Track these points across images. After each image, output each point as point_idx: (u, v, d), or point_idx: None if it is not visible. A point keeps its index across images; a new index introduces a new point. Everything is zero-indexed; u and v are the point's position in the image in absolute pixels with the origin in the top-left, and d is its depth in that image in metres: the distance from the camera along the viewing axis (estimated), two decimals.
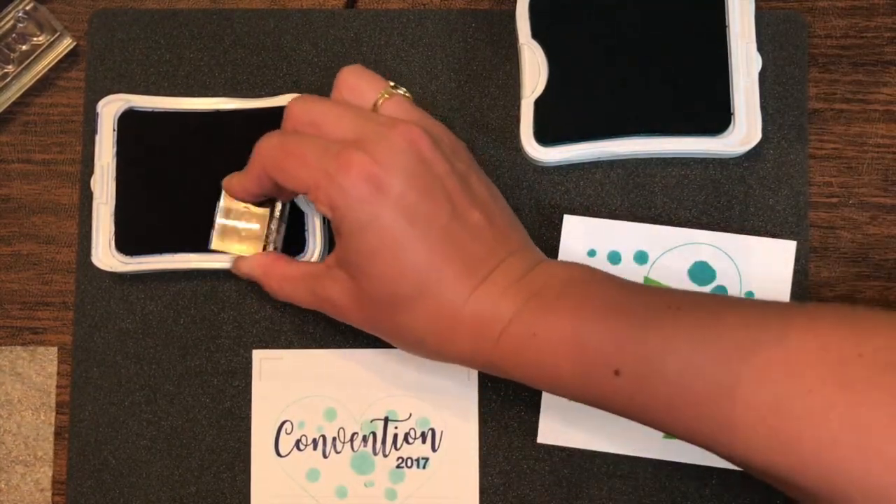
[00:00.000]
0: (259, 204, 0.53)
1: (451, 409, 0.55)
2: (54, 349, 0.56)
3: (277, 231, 0.53)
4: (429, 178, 0.46)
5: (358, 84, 0.49)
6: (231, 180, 0.51)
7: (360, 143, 0.45)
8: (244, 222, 0.53)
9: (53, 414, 0.56)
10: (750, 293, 0.54)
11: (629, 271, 0.55)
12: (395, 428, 0.55)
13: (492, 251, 0.47)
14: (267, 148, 0.48)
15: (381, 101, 0.49)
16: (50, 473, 0.56)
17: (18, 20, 0.57)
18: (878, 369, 0.40)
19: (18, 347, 0.57)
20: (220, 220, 0.53)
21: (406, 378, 0.55)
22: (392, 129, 0.46)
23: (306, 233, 0.54)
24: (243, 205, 0.53)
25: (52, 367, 0.56)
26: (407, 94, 0.50)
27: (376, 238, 0.45)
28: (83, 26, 0.58)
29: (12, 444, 0.56)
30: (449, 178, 0.47)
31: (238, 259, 0.53)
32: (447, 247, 0.46)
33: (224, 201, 0.53)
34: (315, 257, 0.54)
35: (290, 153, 0.47)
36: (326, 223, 0.55)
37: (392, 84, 0.50)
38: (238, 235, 0.53)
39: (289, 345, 0.56)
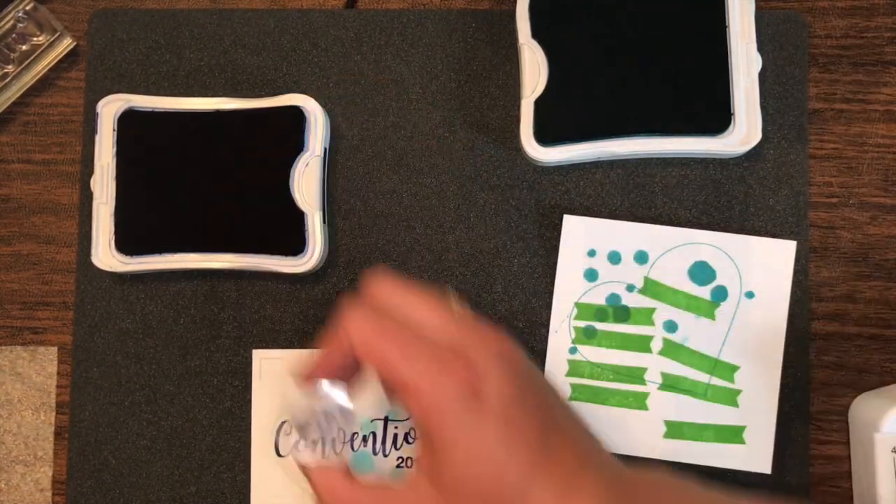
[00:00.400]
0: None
1: None
2: (54, 349, 0.56)
3: (329, 423, 0.48)
4: (521, 384, 0.45)
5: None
6: (304, 363, 0.47)
7: (456, 351, 0.44)
8: (307, 421, 0.48)
9: (53, 414, 0.56)
10: (750, 293, 0.54)
11: (629, 271, 0.55)
12: (395, 428, 0.55)
13: (582, 461, 0.45)
14: (364, 328, 0.45)
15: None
16: (50, 473, 0.56)
17: (18, 20, 0.57)
18: None
19: (18, 347, 0.57)
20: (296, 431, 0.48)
21: None
22: (482, 335, 0.45)
23: (306, 233, 0.54)
24: (303, 405, 0.48)
25: (52, 367, 0.56)
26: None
27: (475, 448, 0.43)
28: (83, 26, 0.58)
29: (12, 443, 0.56)
30: (536, 383, 0.46)
31: (307, 470, 0.48)
32: (542, 456, 0.44)
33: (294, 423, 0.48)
34: (315, 257, 0.54)
35: (390, 342, 0.44)
36: (326, 225, 0.55)
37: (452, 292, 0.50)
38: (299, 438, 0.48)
39: (289, 345, 0.56)
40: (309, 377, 0.48)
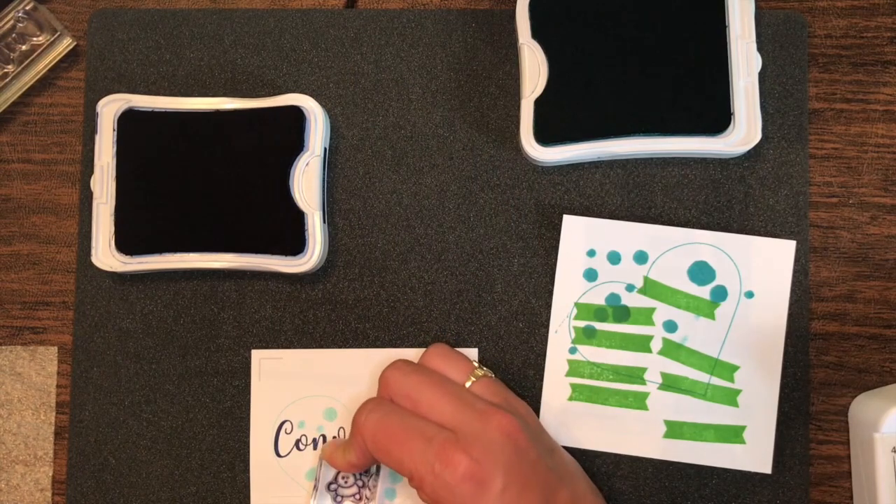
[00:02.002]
0: None
1: None
2: (54, 349, 0.56)
3: (374, 487, 0.54)
4: (524, 468, 0.48)
5: (445, 367, 0.51)
6: (334, 455, 0.52)
7: (459, 439, 0.47)
8: (342, 485, 0.54)
9: (53, 414, 0.56)
10: (750, 293, 0.54)
11: (629, 271, 0.55)
12: None
13: None
14: (368, 427, 0.49)
15: (469, 384, 0.51)
16: (50, 473, 0.56)
17: (18, 20, 0.57)
18: None
19: (19, 347, 0.57)
20: (323, 491, 0.54)
21: None
22: (488, 421, 0.48)
23: (306, 233, 0.54)
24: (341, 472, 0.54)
25: (52, 367, 0.56)
26: (490, 374, 0.52)
27: None
28: (83, 26, 0.58)
29: (12, 443, 0.56)
30: (540, 464, 0.48)
31: None
32: None
33: (324, 470, 0.54)
34: (315, 257, 0.54)
35: (392, 438, 0.48)
36: (326, 225, 0.55)
37: (476, 364, 0.52)
38: (333, 498, 0.54)
39: (289, 345, 0.56)
40: (340, 469, 0.53)
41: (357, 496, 0.54)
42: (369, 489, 0.54)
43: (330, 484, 0.54)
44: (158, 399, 0.56)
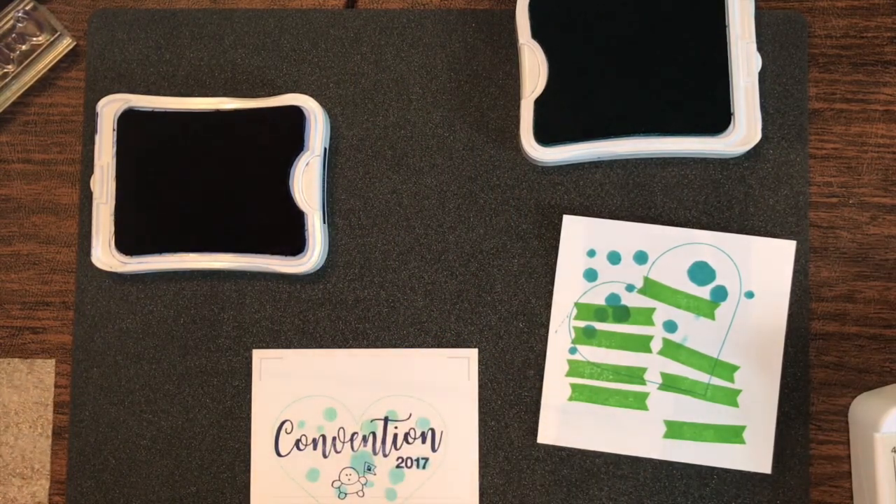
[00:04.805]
0: None
1: (451, 409, 0.55)
2: (52, 361, 0.56)
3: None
4: None
5: None
6: None
7: None
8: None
9: (51, 427, 0.56)
10: (750, 293, 0.54)
11: (629, 271, 0.55)
12: (395, 428, 0.55)
13: None
14: None
15: None
16: (47, 486, 0.56)
17: (18, 20, 0.57)
18: None
19: (16, 360, 0.56)
20: None
21: (406, 378, 0.55)
22: None
23: (306, 233, 0.54)
24: None
25: (50, 380, 0.56)
26: None
27: None
28: (83, 26, 0.58)
29: (9, 456, 0.56)
30: None
31: None
32: None
33: None
34: (315, 257, 0.54)
35: None
36: (326, 225, 0.55)
37: None
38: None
39: (289, 345, 0.56)
40: None
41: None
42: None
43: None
44: (158, 399, 0.56)
